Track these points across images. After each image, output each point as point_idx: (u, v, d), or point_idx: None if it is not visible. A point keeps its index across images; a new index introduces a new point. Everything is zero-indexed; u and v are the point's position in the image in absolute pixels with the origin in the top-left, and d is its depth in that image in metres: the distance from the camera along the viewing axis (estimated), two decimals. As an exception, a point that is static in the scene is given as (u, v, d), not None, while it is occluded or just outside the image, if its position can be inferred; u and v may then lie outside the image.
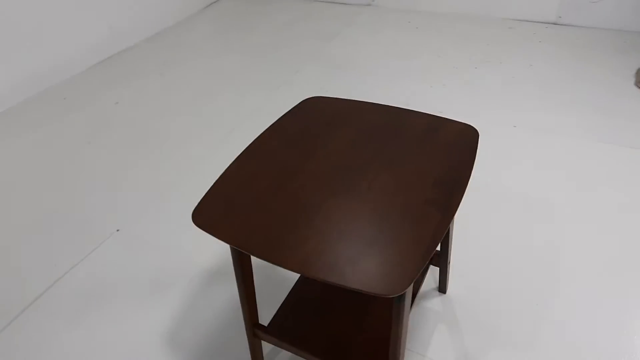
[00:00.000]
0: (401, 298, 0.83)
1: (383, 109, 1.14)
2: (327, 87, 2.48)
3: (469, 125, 1.03)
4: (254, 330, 1.15)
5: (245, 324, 1.14)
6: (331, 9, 3.43)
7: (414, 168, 0.94)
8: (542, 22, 2.97)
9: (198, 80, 2.66)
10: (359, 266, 0.76)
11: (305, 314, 1.21)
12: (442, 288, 1.40)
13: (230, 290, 1.48)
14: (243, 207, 0.89)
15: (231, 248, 0.98)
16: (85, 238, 1.68)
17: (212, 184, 0.98)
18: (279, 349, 1.31)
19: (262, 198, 0.90)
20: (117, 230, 1.71)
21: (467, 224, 1.62)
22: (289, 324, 1.18)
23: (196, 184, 1.90)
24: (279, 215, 0.86)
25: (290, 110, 1.16)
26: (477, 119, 2.12)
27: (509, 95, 2.29)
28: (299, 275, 1.43)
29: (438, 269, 1.44)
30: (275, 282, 1.48)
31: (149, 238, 1.67)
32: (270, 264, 1.55)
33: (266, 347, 1.31)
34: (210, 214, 0.88)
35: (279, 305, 1.38)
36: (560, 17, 2.91)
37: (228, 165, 1.00)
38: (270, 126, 1.12)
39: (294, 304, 1.23)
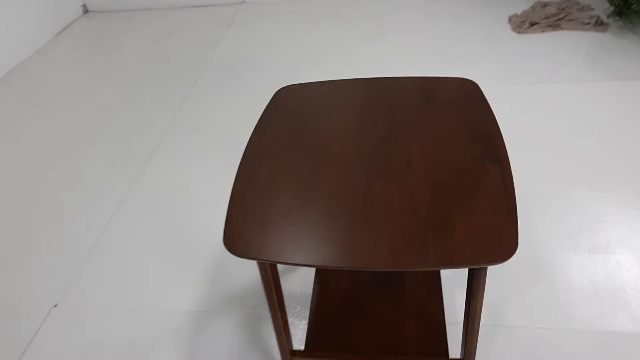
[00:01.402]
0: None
1: (364, 83, 1.06)
2: (238, 90, 2.32)
3: (464, 79, 1.01)
4: (293, 359, 1.00)
5: (282, 354, 0.99)
6: (202, 14, 3.23)
7: (439, 132, 0.88)
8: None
9: (78, 119, 2.30)
10: (455, 243, 0.68)
11: (338, 322, 1.09)
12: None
13: (224, 331, 1.29)
14: (281, 220, 0.75)
15: (261, 270, 0.83)
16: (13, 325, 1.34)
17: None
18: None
19: (295, 205, 0.77)
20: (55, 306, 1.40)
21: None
22: (327, 338, 1.06)
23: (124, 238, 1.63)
24: (330, 218, 0.74)
25: (267, 108, 1.03)
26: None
27: (412, 59, 2.37)
28: (311, 285, 1.31)
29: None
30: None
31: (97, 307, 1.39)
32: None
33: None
34: (247, 238, 0.73)
35: (302, 323, 1.24)
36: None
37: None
38: (255, 129, 0.97)
39: (321, 316, 1.11)
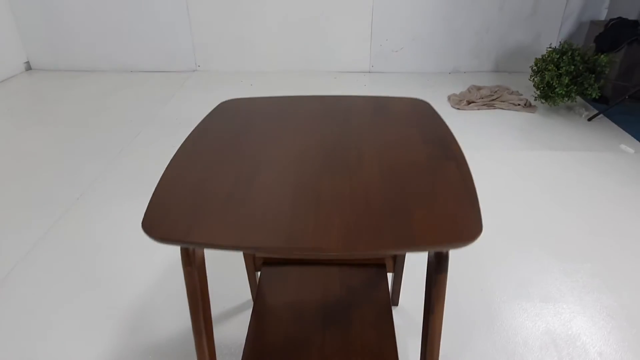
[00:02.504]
0: (442, 266, 0.69)
1: (317, 99, 1.02)
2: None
3: (416, 98, 1.00)
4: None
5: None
6: (154, 77, 3.22)
7: (391, 135, 0.83)
8: (359, 72, 3.32)
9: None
10: (414, 227, 0.60)
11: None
12: (395, 301, 1.28)
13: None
14: (217, 205, 0.64)
15: (185, 266, 0.69)
16: None
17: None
18: None
19: (235, 193, 0.67)
20: None
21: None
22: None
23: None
24: (275, 204, 0.65)
25: (209, 114, 0.95)
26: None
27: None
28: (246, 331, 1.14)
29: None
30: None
31: None
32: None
33: None
34: (172, 221, 0.61)
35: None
36: (372, 66, 3.31)
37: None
38: (194, 129, 0.89)
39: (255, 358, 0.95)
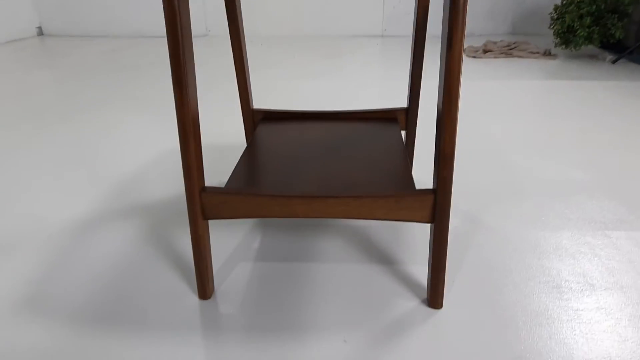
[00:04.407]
0: None
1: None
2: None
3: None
4: (202, 197, 0.71)
5: (187, 190, 0.70)
6: (164, 42, 3.20)
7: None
8: (372, 36, 3.26)
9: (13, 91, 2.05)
10: None
11: (273, 166, 0.82)
12: (405, 175, 1.15)
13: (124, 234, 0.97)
14: None
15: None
16: None
17: None
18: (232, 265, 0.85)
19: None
20: None
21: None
22: (254, 180, 0.78)
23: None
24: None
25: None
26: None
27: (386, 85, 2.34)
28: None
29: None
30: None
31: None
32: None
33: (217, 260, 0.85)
34: None
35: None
36: (385, 30, 3.24)
37: None
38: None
39: (251, 159, 0.84)
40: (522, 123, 1.57)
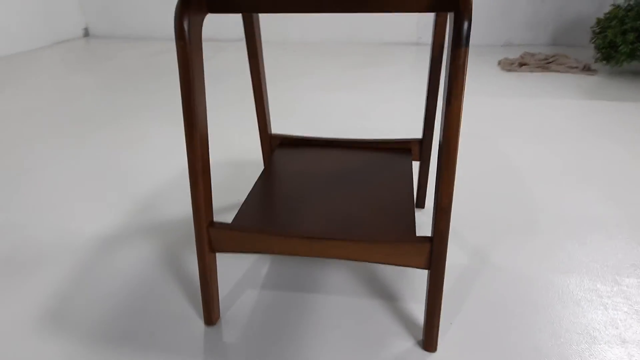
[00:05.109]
0: (461, 36, 0.58)
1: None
2: (223, 88, 2.23)
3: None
4: (209, 230, 0.75)
5: (196, 224, 0.74)
6: (205, 45, 3.28)
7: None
8: (406, 44, 3.23)
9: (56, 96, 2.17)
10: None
11: (280, 204, 0.85)
12: (420, 203, 1.16)
13: (140, 253, 1.02)
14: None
15: (178, 48, 0.63)
16: None
17: None
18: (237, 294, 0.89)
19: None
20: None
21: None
22: (259, 217, 0.81)
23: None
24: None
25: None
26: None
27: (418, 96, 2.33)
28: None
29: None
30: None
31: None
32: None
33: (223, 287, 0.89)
34: None
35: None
36: (420, 37, 3.21)
37: None
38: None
39: (260, 196, 0.87)
40: (550, 147, 1.53)
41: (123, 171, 1.40)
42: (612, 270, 0.93)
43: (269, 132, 1.11)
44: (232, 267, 0.96)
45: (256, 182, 0.95)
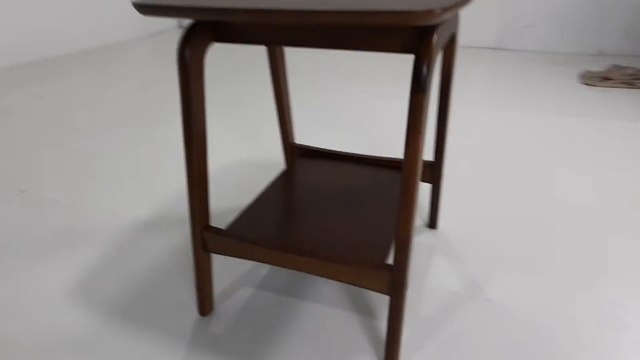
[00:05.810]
0: (420, 82, 0.61)
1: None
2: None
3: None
4: (203, 234, 0.84)
5: (192, 225, 0.84)
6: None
7: None
8: (484, 48, 3.11)
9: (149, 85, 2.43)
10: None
11: (276, 218, 0.92)
12: (432, 224, 1.17)
13: (167, 241, 1.15)
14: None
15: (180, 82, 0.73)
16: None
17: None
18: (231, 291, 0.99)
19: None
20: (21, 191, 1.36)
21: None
22: (254, 227, 0.89)
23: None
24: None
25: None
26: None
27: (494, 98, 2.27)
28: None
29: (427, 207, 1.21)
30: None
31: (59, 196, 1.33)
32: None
33: (217, 285, 0.99)
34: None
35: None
36: (500, 42, 3.06)
37: None
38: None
39: (259, 206, 0.95)
40: (611, 183, 1.42)
41: (175, 164, 1.56)
42: (611, 325, 0.88)
43: (291, 142, 1.18)
44: (235, 265, 1.06)
45: (263, 190, 1.03)
